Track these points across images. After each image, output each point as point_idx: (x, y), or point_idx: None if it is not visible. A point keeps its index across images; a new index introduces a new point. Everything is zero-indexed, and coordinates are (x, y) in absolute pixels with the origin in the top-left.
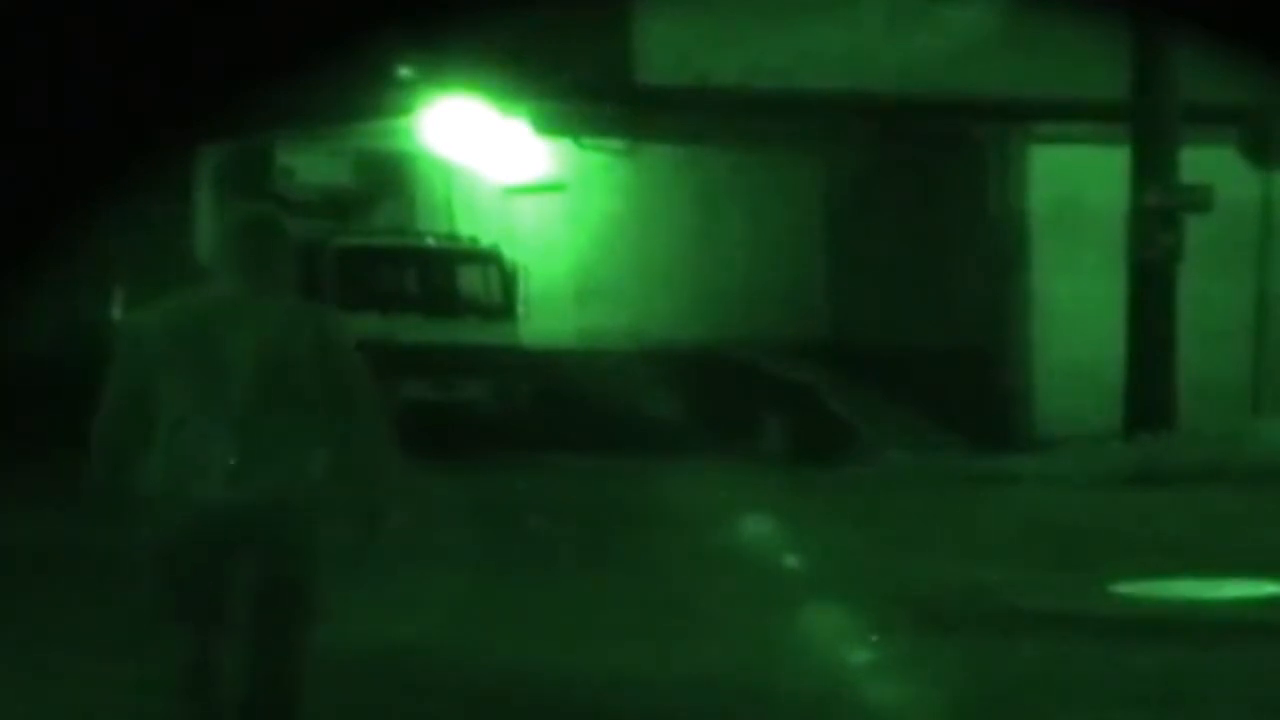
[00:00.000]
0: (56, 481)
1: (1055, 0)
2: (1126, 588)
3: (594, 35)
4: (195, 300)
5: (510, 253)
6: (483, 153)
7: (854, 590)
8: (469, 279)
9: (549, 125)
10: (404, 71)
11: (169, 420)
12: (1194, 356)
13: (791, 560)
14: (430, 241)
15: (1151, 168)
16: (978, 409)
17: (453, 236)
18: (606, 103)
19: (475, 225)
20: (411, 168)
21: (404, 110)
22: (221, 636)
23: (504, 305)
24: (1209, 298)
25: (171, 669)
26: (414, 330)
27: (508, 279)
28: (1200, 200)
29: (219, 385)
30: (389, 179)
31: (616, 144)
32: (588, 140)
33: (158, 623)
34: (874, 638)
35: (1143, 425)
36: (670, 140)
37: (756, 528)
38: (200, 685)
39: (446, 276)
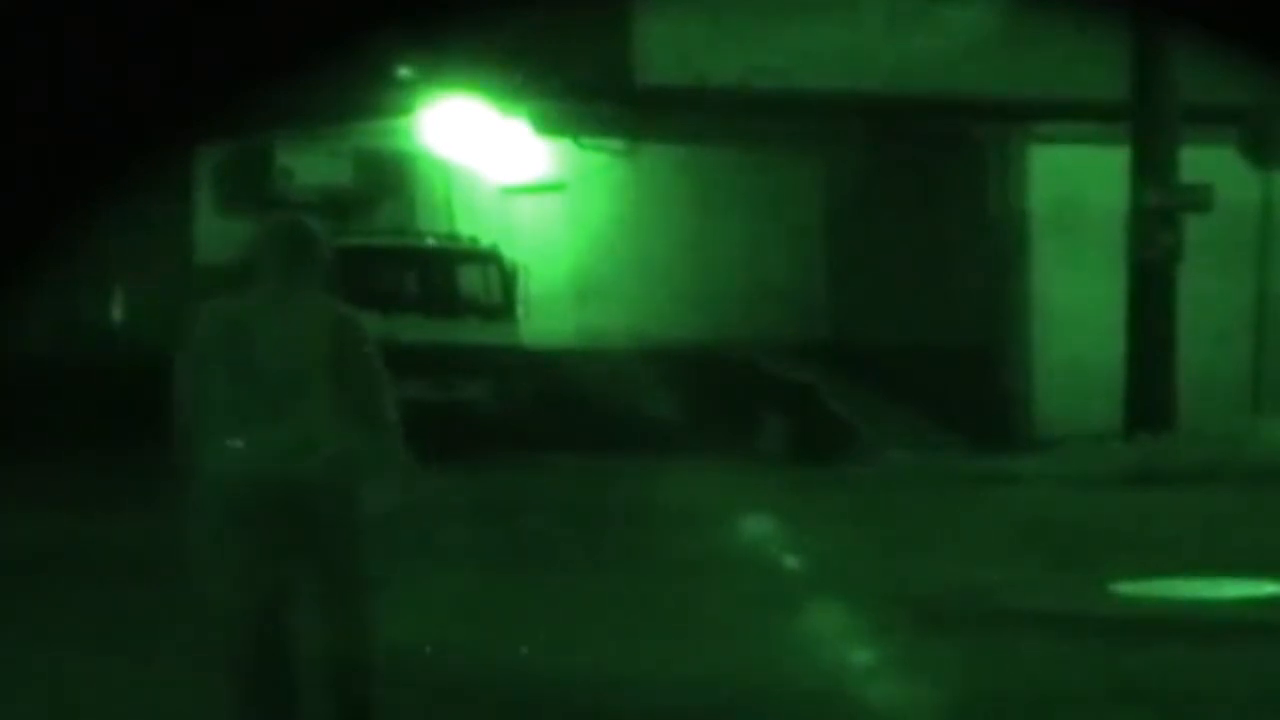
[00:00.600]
0: (56, 481)
1: (1055, 0)
2: (1126, 588)
3: (594, 35)
4: (237, 302)
5: (510, 253)
6: (482, 153)
7: (854, 590)
8: (469, 279)
9: (549, 125)
10: (404, 71)
11: (216, 408)
12: (1194, 356)
13: (791, 560)
14: (430, 241)
15: (1151, 168)
16: (978, 409)
17: (453, 236)
18: (606, 103)
19: (475, 225)
20: (411, 168)
21: (404, 110)
22: (283, 615)
23: (504, 305)
24: (1209, 298)
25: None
26: (414, 330)
27: (508, 279)
28: (1200, 200)
29: (256, 377)
30: (389, 179)
31: (616, 144)
32: (587, 140)
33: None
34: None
35: (1143, 425)
36: (670, 140)
37: (756, 528)
38: (263, 668)
39: (446, 276)
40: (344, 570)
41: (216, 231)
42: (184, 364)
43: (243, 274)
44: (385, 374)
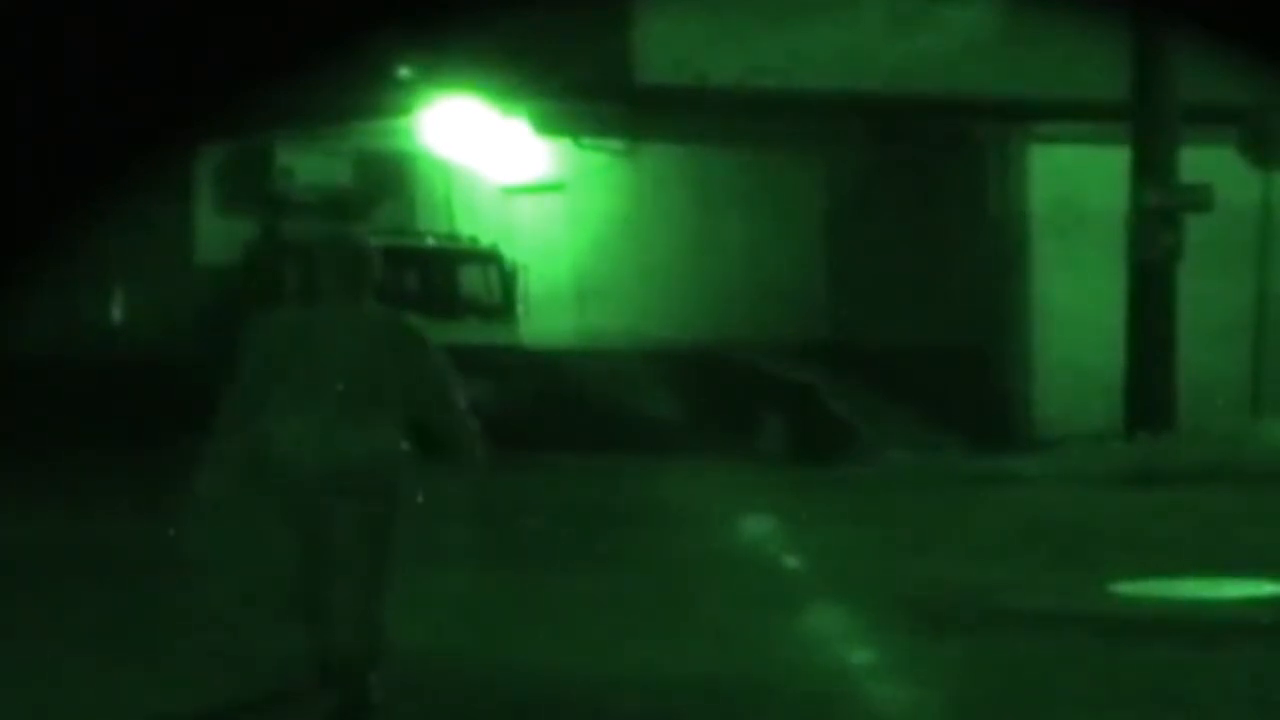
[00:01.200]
0: (56, 481)
1: (1055, 0)
2: (1126, 588)
3: (594, 35)
4: (299, 312)
5: (510, 253)
6: (482, 153)
7: (854, 590)
8: (469, 279)
9: (549, 125)
10: (404, 71)
11: (281, 404)
12: (1194, 356)
13: (791, 560)
14: (430, 241)
15: (1151, 168)
16: (978, 409)
17: (453, 236)
18: (606, 103)
19: (475, 225)
20: (411, 168)
21: (404, 110)
22: (330, 574)
23: (504, 305)
24: (1209, 298)
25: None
26: None
27: (508, 279)
28: (1200, 200)
29: (318, 379)
30: (389, 179)
31: (616, 144)
32: (587, 140)
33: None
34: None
35: (1143, 425)
36: (670, 140)
37: (756, 528)
38: (314, 613)
39: (446, 276)
40: (371, 538)
41: (216, 231)
42: (246, 361)
43: (243, 273)
44: (450, 368)
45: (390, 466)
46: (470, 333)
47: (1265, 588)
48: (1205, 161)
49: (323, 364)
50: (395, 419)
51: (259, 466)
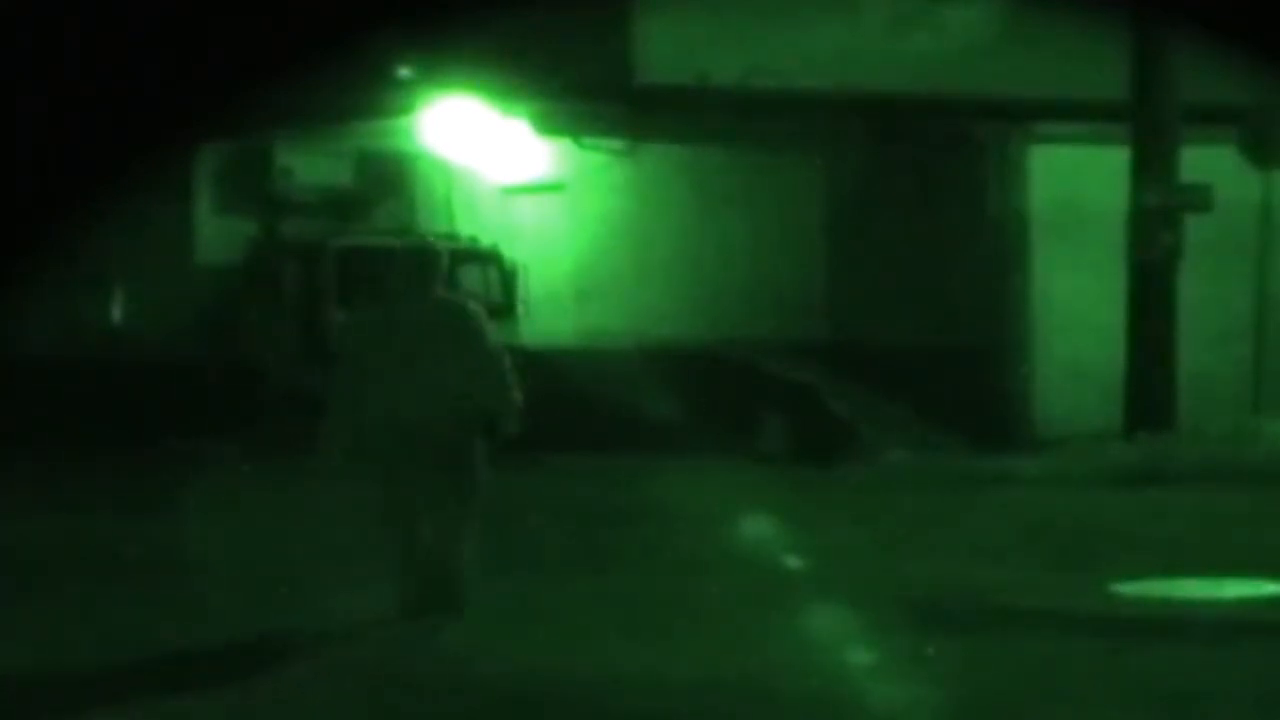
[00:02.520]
0: (56, 481)
1: (1055, 0)
2: (1126, 588)
3: (594, 35)
4: (381, 308)
5: (510, 253)
6: (483, 153)
7: (854, 590)
8: (469, 279)
9: (549, 125)
10: (404, 71)
11: (379, 380)
12: (1194, 357)
13: (791, 560)
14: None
15: (1151, 168)
16: (978, 409)
17: (453, 236)
18: (606, 103)
19: (475, 225)
20: (411, 168)
21: (404, 110)
22: (419, 517)
23: (504, 305)
24: (1209, 298)
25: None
26: None
27: (508, 279)
28: (1200, 200)
29: (403, 362)
30: (389, 179)
31: (616, 144)
32: (587, 140)
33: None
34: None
35: (1143, 425)
36: (670, 140)
37: (756, 528)
38: (404, 548)
39: (446, 277)
40: (451, 488)
41: (216, 231)
42: (343, 354)
43: (244, 273)
44: (499, 345)
45: (465, 429)
46: None
47: (1265, 588)
48: (1205, 161)
49: (404, 350)
50: (464, 391)
51: (365, 434)
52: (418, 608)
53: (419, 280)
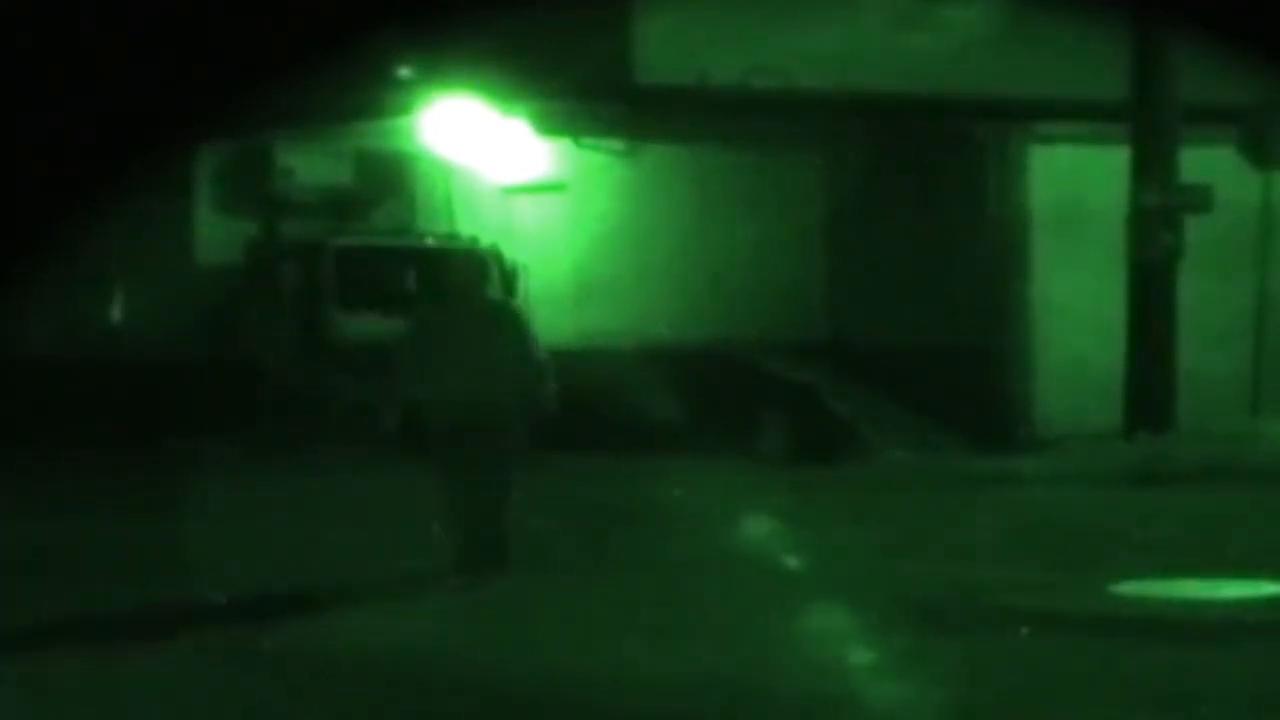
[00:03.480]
0: (56, 481)
1: (1055, 0)
2: (1126, 588)
3: (594, 35)
4: (441, 308)
5: (510, 253)
6: (483, 153)
7: (854, 590)
8: None
9: (549, 125)
10: (404, 71)
11: (439, 364)
12: (1194, 356)
13: (792, 560)
14: (430, 241)
15: (1151, 168)
16: (978, 409)
17: (453, 236)
18: (606, 103)
19: (475, 225)
20: (411, 168)
21: (404, 110)
22: (472, 479)
23: None
24: (1209, 298)
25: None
26: None
27: (508, 279)
28: (1200, 200)
29: (457, 351)
30: (389, 179)
31: (616, 144)
32: (588, 140)
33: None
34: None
35: (1143, 425)
36: (670, 140)
37: (756, 528)
38: (459, 511)
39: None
40: (500, 456)
41: (216, 231)
42: (409, 346)
43: (244, 273)
44: (535, 338)
45: (507, 407)
46: None
47: (1265, 588)
48: (1205, 161)
49: (458, 341)
50: (510, 376)
51: (424, 411)
52: (471, 564)
53: (473, 282)
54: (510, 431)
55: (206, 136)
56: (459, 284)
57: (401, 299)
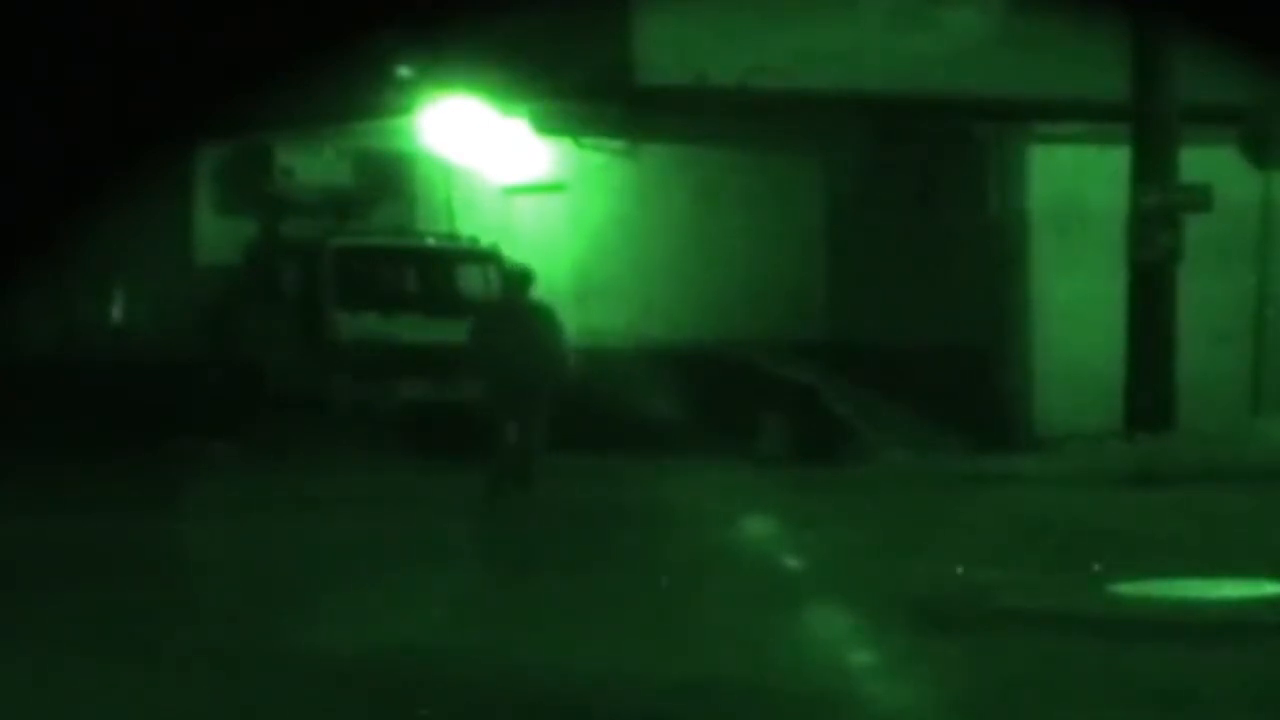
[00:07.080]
0: (56, 481)
1: (1055, 0)
2: (1126, 588)
3: (594, 35)
4: (497, 306)
5: (510, 253)
6: (483, 153)
7: (854, 590)
8: (469, 279)
9: (549, 125)
10: (404, 71)
11: (495, 348)
12: (1194, 356)
13: (791, 560)
14: (430, 241)
15: (1151, 168)
16: (977, 409)
17: (453, 236)
18: (606, 103)
19: (475, 225)
20: (411, 168)
21: (404, 110)
22: (519, 423)
23: None
24: (1209, 298)
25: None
26: (414, 330)
27: (519, 281)
28: (1200, 200)
29: (511, 334)
30: (389, 179)
31: (616, 144)
32: (588, 140)
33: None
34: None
35: (1143, 425)
36: (670, 140)
37: (756, 528)
38: (506, 450)
39: (446, 276)
40: (539, 413)
41: (216, 231)
42: (475, 337)
43: (244, 273)
44: (563, 329)
45: (543, 378)
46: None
47: (1265, 588)
48: (1205, 161)
49: (512, 330)
50: (545, 355)
51: (485, 375)
52: (498, 489)
53: (521, 288)
54: (544, 392)
55: (206, 136)
56: (513, 288)
57: (402, 299)
